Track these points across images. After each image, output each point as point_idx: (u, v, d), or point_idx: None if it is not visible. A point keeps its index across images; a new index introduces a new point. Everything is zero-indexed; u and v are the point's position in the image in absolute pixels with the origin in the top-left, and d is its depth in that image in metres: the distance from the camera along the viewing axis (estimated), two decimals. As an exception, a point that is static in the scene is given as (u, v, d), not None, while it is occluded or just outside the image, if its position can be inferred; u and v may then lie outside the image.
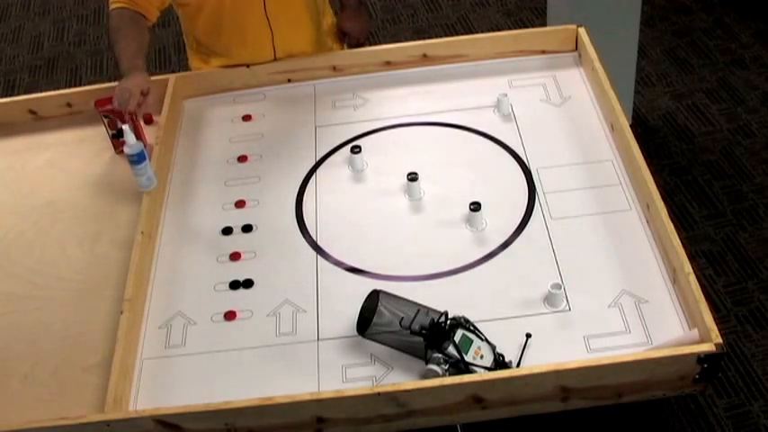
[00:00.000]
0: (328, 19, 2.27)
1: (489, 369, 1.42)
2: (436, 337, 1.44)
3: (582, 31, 2.16)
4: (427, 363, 1.44)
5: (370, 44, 2.31)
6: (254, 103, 2.19)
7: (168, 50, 4.04)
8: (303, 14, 2.18)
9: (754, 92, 3.31)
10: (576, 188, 1.81)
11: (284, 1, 2.13)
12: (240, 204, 1.89)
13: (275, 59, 2.19)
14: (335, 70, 2.22)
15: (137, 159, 1.82)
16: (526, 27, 3.80)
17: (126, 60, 1.97)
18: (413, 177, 1.83)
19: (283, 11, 2.14)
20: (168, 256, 1.80)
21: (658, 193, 1.66)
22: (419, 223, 1.79)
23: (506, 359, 1.46)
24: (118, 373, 1.51)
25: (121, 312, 1.61)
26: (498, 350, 1.47)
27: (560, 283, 1.58)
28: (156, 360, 1.59)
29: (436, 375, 1.41)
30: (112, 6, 2.06)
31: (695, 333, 1.43)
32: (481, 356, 1.44)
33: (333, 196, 1.88)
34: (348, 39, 2.30)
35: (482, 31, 3.65)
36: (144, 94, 1.91)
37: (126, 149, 1.83)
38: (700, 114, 3.24)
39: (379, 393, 1.38)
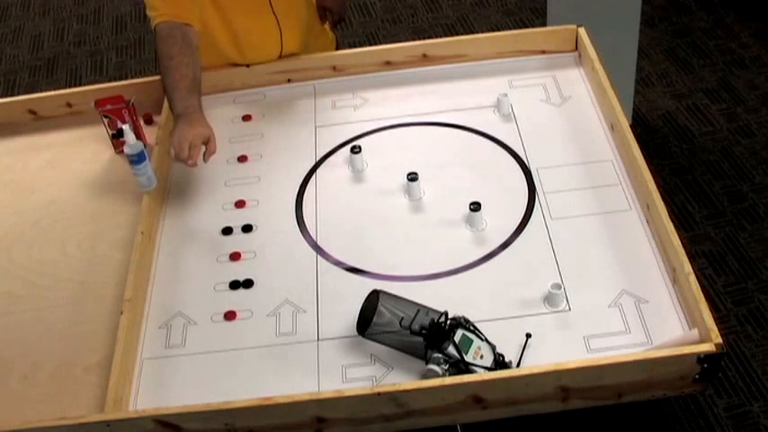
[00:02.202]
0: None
1: (489, 369, 1.42)
2: (436, 337, 1.44)
3: (582, 31, 2.16)
4: (427, 363, 1.44)
5: (370, 44, 2.31)
6: (254, 103, 2.19)
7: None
8: (301, 3, 2.18)
9: (754, 92, 3.30)
10: (576, 188, 1.81)
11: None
12: (240, 204, 1.89)
13: (281, 57, 2.19)
14: (335, 70, 2.22)
15: (137, 159, 1.81)
16: (526, 27, 3.80)
17: (180, 99, 1.84)
18: (413, 177, 1.83)
19: (287, 4, 2.13)
20: (168, 256, 1.80)
21: (658, 193, 1.66)
22: (419, 223, 1.79)
23: (506, 359, 1.46)
24: (118, 373, 1.51)
25: (121, 312, 1.61)
26: (498, 350, 1.47)
27: (560, 283, 1.58)
28: (156, 360, 1.59)
29: (436, 375, 1.41)
30: (156, 21, 1.92)
31: (695, 333, 1.43)
32: (481, 356, 1.44)
33: (333, 196, 1.88)
34: (331, 16, 2.29)
35: (482, 31, 3.65)
36: (205, 143, 1.79)
37: (126, 149, 1.82)
38: (700, 114, 3.24)
39: (379, 393, 1.38)
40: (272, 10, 2.10)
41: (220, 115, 2.16)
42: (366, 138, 2.03)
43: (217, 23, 2.07)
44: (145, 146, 1.85)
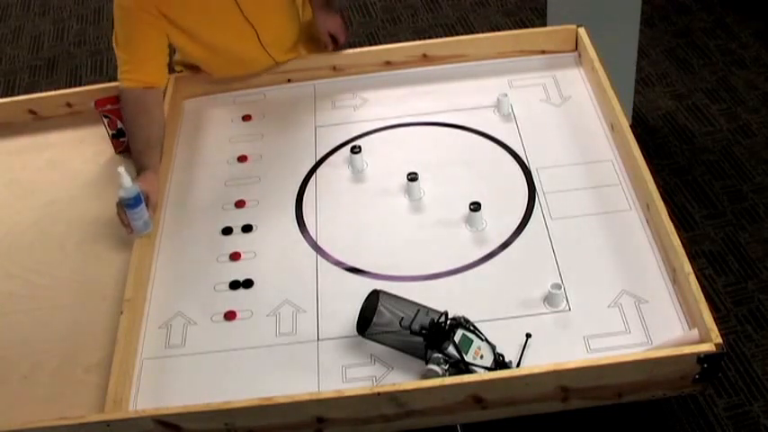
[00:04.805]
0: (307, 15, 2.24)
1: (489, 369, 1.42)
2: (436, 337, 1.44)
3: (582, 31, 2.16)
4: (427, 363, 1.44)
5: (370, 44, 2.30)
6: (254, 103, 2.19)
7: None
8: (293, 33, 2.18)
9: (754, 92, 3.30)
10: (576, 188, 1.81)
11: (278, 31, 2.13)
12: (240, 204, 1.89)
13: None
14: (335, 70, 2.22)
15: (133, 203, 1.71)
16: (526, 27, 3.80)
17: (134, 161, 1.91)
18: (413, 177, 1.83)
19: (279, 41, 2.14)
20: (168, 256, 1.80)
21: (658, 193, 1.66)
22: (419, 223, 1.79)
23: (506, 359, 1.46)
24: (118, 373, 1.51)
25: (121, 312, 1.61)
26: (498, 350, 1.47)
27: (560, 283, 1.58)
28: (156, 360, 1.59)
29: (436, 375, 1.41)
30: (121, 84, 1.99)
31: (695, 333, 1.43)
32: (481, 356, 1.44)
33: (333, 196, 1.88)
34: (339, 42, 2.21)
35: (482, 31, 3.65)
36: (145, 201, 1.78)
37: (121, 192, 1.70)
38: (700, 114, 3.24)
39: (379, 393, 1.38)
40: (263, 46, 2.11)
41: (220, 115, 2.16)
42: (366, 138, 2.03)
43: (199, 53, 2.08)
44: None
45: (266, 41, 2.10)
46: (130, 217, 1.73)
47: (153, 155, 1.91)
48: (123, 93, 1.99)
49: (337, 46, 2.22)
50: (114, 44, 2.00)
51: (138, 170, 1.87)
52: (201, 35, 2.03)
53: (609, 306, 1.56)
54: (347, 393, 1.40)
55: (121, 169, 1.69)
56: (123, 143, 2.03)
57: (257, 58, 2.15)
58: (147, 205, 1.76)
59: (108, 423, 1.42)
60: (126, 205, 1.72)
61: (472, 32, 3.83)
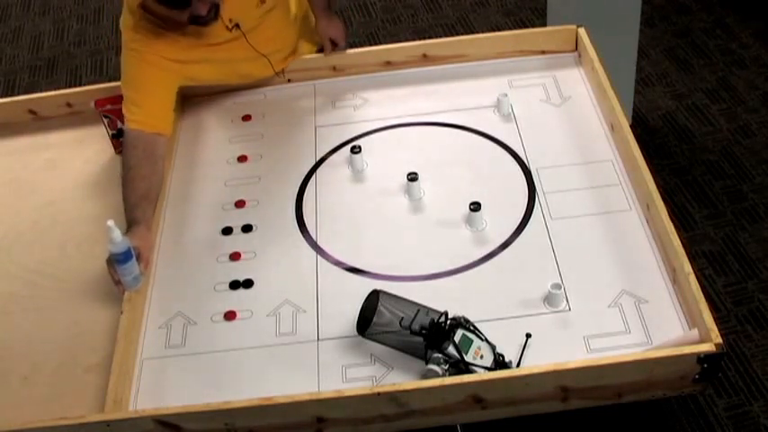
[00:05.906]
0: (302, 9, 2.24)
1: (489, 369, 1.42)
2: (436, 337, 1.44)
3: (582, 31, 2.16)
4: (427, 363, 1.44)
5: (370, 44, 2.30)
6: (254, 103, 2.19)
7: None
8: (294, 41, 2.19)
9: (755, 92, 3.30)
10: (576, 188, 1.81)
11: (282, 46, 2.14)
12: (240, 204, 1.89)
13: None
14: (335, 70, 2.22)
15: (123, 258, 1.60)
16: (526, 27, 3.80)
17: (126, 211, 1.79)
18: (413, 177, 1.83)
19: (282, 53, 2.15)
20: (168, 256, 1.80)
21: (658, 193, 1.66)
22: (419, 223, 1.79)
23: (506, 359, 1.46)
24: (118, 373, 1.51)
25: (121, 312, 1.61)
26: (498, 350, 1.47)
27: (560, 283, 1.58)
28: (156, 360, 1.59)
29: (436, 375, 1.41)
30: (127, 125, 1.90)
31: (695, 333, 1.43)
32: (481, 356, 1.44)
33: (333, 196, 1.88)
34: (338, 45, 2.20)
35: (482, 31, 3.65)
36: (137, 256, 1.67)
37: (110, 247, 1.60)
38: (700, 114, 3.24)
39: (379, 393, 1.38)
40: (271, 65, 2.13)
41: (220, 115, 2.16)
42: (366, 138, 2.03)
43: (208, 75, 2.08)
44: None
45: (271, 56, 2.11)
46: (120, 273, 1.62)
47: (148, 208, 1.80)
48: (130, 135, 1.89)
49: (336, 48, 2.23)
50: (122, 85, 1.94)
51: (130, 223, 1.75)
52: (212, 60, 2.03)
53: (609, 306, 1.56)
54: (347, 393, 1.40)
55: (111, 223, 1.57)
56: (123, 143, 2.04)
57: (263, 72, 2.16)
58: (138, 260, 1.66)
59: (108, 423, 1.42)
60: (115, 260, 1.61)
61: (472, 32, 3.82)
